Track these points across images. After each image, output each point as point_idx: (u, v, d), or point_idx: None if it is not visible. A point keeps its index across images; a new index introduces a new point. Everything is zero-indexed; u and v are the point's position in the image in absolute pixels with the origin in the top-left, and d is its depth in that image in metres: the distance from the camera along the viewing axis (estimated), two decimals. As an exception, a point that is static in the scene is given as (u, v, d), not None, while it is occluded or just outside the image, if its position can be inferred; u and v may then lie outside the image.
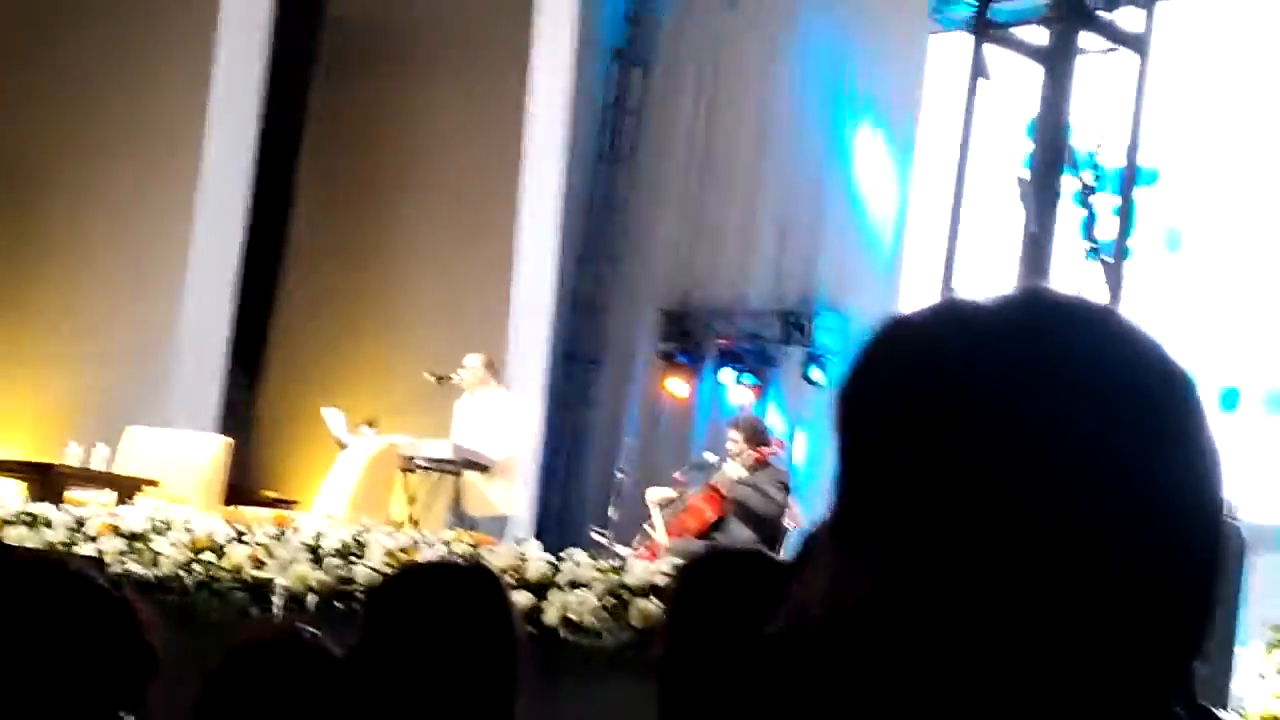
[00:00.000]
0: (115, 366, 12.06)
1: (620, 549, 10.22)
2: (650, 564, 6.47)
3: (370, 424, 10.81)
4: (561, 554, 7.04)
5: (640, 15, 15.98)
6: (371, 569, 6.88)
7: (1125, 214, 4.55)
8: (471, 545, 6.92)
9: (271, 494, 12.82)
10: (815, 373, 14.26)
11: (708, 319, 14.93)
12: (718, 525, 10.33)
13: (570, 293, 14.99)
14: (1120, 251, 4.61)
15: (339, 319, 13.62)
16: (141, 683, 2.74)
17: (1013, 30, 4.77)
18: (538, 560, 6.61)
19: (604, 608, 6.23)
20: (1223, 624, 5.65)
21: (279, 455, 13.46)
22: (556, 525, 14.94)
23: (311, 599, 6.99)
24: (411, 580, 3.24)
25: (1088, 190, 4.51)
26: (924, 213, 13.90)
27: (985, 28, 4.59)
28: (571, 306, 15.16)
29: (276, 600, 7.09)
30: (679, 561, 6.81)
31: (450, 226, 13.44)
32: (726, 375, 14.68)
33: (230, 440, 10.93)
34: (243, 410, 13.43)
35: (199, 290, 12.33)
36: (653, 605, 6.16)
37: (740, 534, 10.13)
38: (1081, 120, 4.29)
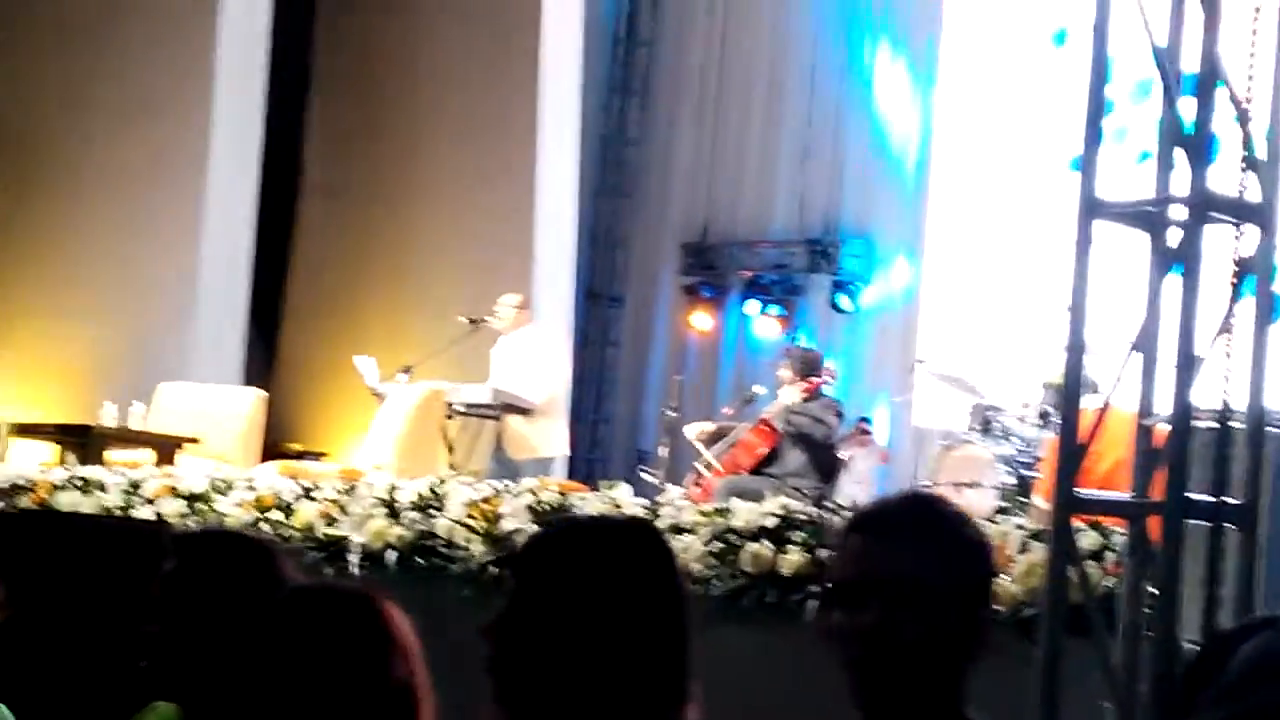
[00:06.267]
0: (138, 324, 11.71)
1: (671, 488, 9.94)
2: (753, 505, 6.14)
3: (406, 370, 10.47)
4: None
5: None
6: (453, 521, 6.57)
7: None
8: (560, 493, 6.61)
9: (298, 447, 12.49)
10: (843, 300, 13.98)
11: (731, 250, 14.61)
12: (771, 458, 10.05)
13: (589, 229, 14.64)
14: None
15: (357, 265, 13.27)
16: None
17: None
18: (633, 506, 6.30)
19: (711, 554, 5.92)
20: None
21: (301, 407, 13.12)
22: (585, 465, 14.67)
23: (390, 555, 6.69)
24: (573, 537, 2.91)
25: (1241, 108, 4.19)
26: (948, 133, 13.59)
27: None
28: (590, 243, 14.82)
29: (352, 558, 6.78)
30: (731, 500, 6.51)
31: (468, 165, 13.08)
32: (752, 307, 14.38)
33: (264, 394, 10.59)
34: (263, 363, 13.10)
35: (216, 239, 11.98)
36: (765, 549, 5.86)
37: (795, 461, 9.85)
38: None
